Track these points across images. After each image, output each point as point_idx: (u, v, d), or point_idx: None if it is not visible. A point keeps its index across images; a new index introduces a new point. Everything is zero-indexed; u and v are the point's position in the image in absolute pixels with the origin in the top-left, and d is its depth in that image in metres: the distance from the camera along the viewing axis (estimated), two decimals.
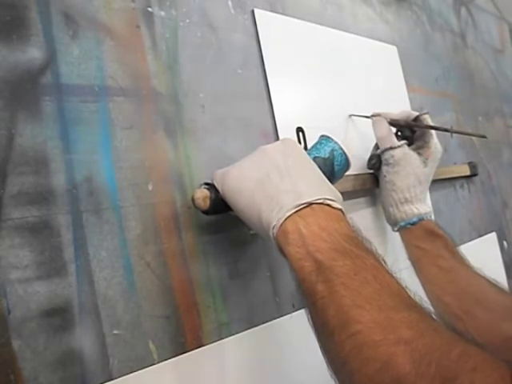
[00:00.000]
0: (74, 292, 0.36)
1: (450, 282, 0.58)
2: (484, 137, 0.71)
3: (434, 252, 0.60)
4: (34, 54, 0.38)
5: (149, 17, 0.47)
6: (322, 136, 0.50)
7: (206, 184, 0.44)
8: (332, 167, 0.48)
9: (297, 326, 0.52)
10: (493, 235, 0.97)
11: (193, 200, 0.43)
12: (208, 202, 0.43)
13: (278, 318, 0.51)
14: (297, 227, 0.36)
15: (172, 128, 0.46)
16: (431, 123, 0.65)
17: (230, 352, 0.45)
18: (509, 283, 0.96)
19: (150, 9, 0.47)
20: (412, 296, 0.33)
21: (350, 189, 0.61)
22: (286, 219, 0.37)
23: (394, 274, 0.34)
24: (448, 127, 0.64)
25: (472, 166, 0.93)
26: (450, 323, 0.32)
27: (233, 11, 0.55)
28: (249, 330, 0.47)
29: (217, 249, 0.47)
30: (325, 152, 0.48)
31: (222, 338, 0.45)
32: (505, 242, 1.01)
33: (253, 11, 0.57)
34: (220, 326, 0.45)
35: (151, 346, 0.40)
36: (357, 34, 0.74)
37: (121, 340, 0.38)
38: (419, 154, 0.63)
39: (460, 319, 0.55)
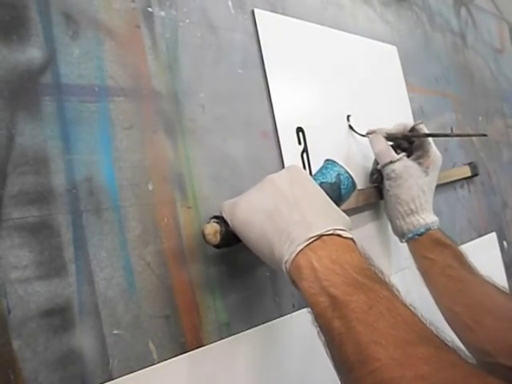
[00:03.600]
0: (74, 292, 0.36)
1: (460, 292, 0.58)
2: (484, 135, 0.71)
3: (442, 262, 0.60)
4: (33, 53, 0.38)
5: (149, 17, 0.47)
6: (327, 160, 0.50)
7: (215, 217, 0.44)
8: (339, 191, 0.48)
9: (297, 326, 0.52)
10: (493, 235, 0.97)
11: (203, 235, 0.43)
12: (219, 237, 0.43)
13: (278, 318, 0.51)
14: (309, 261, 0.36)
15: (172, 128, 0.46)
16: (427, 131, 0.65)
17: (230, 352, 0.45)
18: (509, 283, 0.97)
19: (150, 9, 0.47)
20: (427, 325, 0.33)
21: (355, 205, 0.61)
22: (297, 253, 0.37)
23: (408, 305, 0.34)
24: (447, 132, 0.64)
25: (472, 166, 0.93)
26: (465, 353, 0.32)
27: (233, 11, 0.55)
28: (249, 330, 0.47)
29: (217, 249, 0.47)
30: (331, 177, 0.48)
31: (222, 338, 0.45)
32: (505, 242, 1.01)
33: (253, 11, 0.57)
34: (220, 326, 0.45)
35: (151, 345, 0.40)
36: (357, 34, 0.74)
37: (121, 340, 0.38)
38: (419, 163, 0.63)
39: (470, 328, 0.55)
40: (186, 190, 0.46)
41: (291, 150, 0.57)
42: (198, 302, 0.44)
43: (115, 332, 0.38)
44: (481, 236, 0.93)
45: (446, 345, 0.32)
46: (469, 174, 0.92)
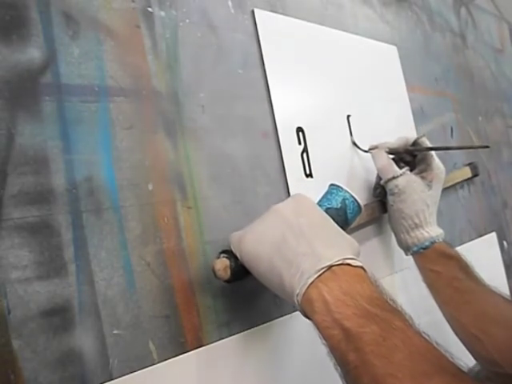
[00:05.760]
0: (74, 292, 0.36)
1: (466, 303, 0.58)
2: (487, 147, 0.71)
3: (448, 274, 0.60)
4: (34, 53, 0.38)
5: (149, 17, 0.47)
6: (332, 185, 0.50)
7: (224, 252, 0.44)
8: (345, 216, 0.48)
9: (297, 326, 0.52)
10: (493, 235, 0.97)
11: (214, 271, 0.43)
12: (229, 272, 0.42)
13: (278, 318, 0.51)
14: (320, 294, 0.36)
15: (172, 128, 0.46)
16: (429, 144, 0.65)
17: (230, 352, 0.45)
18: (509, 283, 0.97)
19: (150, 9, 0.47)
20: (443, 353, 0.33)
21: (361, 221, 0.60)
22: (308, 286, 0.37)
23: (421, 333, 0.34)
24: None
25: (473, 167, 0.93)
26: (482, 378, 0.32)
27: (233, 11, 0.55)
28: (249, 330, 0.47)
29: (217, 248, 0.47)
30: (336, 202, 0.48)
31: (222, 338, 0.45)
32: (505, 242, 1.01)
33: (253, 11, 0.57)
34: (220, 326, 0.45)
35: (151, 345, 0.40)
36: (357, 34, 0.74)
37: (121, 340, 0.38)
38: (423, 177, 0.63)
39: (478, 339, 0.55)
40: (186, 190, 0.46)
41: (291, 150, 0.57)
42: (198, 302, 0.44)
43: (115, 332, 0.38)
44: (481, 236, 0.92)
45: (462, 371, 0.32)
46: (469, 175, 0.92)
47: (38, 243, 0.35)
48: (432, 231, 0.62)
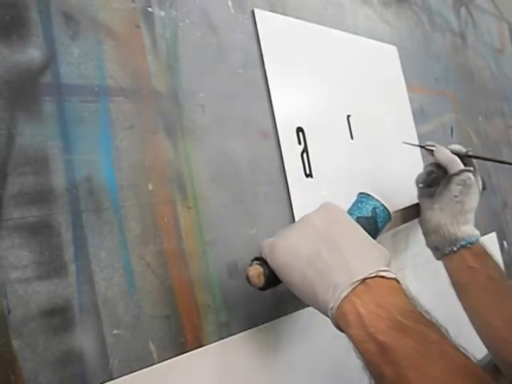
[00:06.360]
0: (74, 292, 0.36)
1: (500, 304, 0.58)
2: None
3: (486, 272, 0.60)
4: (34, 53, 0.38)
5: (149, 17, 0.47)
6: (361, 194, 0.50)
7: (257, 259, 0.44)
8: (375, 225, 0.48)
9: (297, 326, 0.52)
10: (493, 235, 0.97)
11: (247, 278, 0.43)
12: (263, 279, 0.42)
13: (278, 318, 0.51)
14: (354, 307, 0.36)
15: (172, 128, 0.46)
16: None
17: (230, 352, 0.45)
18: None
19: (150, 9, 0.47)
20: (477, 367, 0.33)
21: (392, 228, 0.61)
22: (342, 300, 0.37)
23: (458, 346, 0.34)
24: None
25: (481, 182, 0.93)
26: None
27: (233, 11, 0.55)
28: (249, 330, 0.47)
29: (217, 248, 0.47)
30: (367, 211, 0.48)
31: (222, 338, 0.45)
32: (505, 242, 1.01)
33: (253, 11, 0.57)
34: (220, 326, 0.45)
35: (151, 345, 0.40)
36: (357, 34, 0.74)
37: (121, 340, 0.38)
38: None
39: (507, 342, 0.55)
40: (186, 190, 0.46)
41: (291, 150, 0.57)
42: (198, 302, 0.44)
43: (115, 332, 0.38)
44: (481, 236, 0.92)
45: (493, 381, 0.32)
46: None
47: (38, 243, 0.35)
48: (475, 230, 0.64)
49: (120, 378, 0.37)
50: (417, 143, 0.78)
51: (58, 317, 0.35)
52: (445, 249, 0.64)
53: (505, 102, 1.20)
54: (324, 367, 0.53)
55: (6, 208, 0.34)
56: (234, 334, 0.46)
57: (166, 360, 0.40)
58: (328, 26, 0.69)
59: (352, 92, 0.70)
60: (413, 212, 0.67)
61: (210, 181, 0.48)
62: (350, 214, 0.48)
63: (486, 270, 0.61)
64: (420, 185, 0.67)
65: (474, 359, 0.34)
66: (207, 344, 0.44)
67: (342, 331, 0.38)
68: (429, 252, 0.66)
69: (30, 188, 0.35)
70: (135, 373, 0.38)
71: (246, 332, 0.47)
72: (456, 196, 0.63)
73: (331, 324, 0.39)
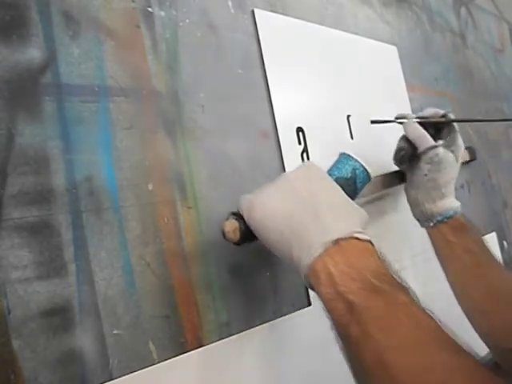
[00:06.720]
0: (74, 292, 0.36)
1: (478, 277, 0.59)
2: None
3: (464, 246, 0.61)
4: (34, 53, 0.38)
5: (149, 17, 0.47)
6: (342, 154, 0.50)
7: (234, 214, 0.43)
8: (354, 185, 0.48)
9: (297, 326, 0.52)
10: (493, 235, 0.97)
11: (223, 233, 0.43)
12: (238, 234, 0.42)
13: (278, 318, 0.51)
14: (326, 267, 0.36)
15: (172, 128, 0.46)
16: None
17: (230, 352, 0.45)
18: None
19: (150, 9, 0.47)
20: (445, 331, 0.33)
21: (373, 194, 0.61)
22: (315, 259, 0.37)
23: (426, 310, 0.34)
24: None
25: (471, 151, 0.93)
26: (484, 358, 0.32)
27: (233, 11, 0.55)
28: (249, 330, 0.47)
29: (217, 248, 0.47)
30: (346, 172, 0.48)
31: (222, 338, 0.45)
32: (505, 242, 1.01)
33: (253, 11, 0.57)
34: (220, 326, 0.45)
35: (151, 345, 0.40)
36: (357, 34, 0.74)
37: (121, 340, 0.38)
38: (452, 151, 0.65)
39: (485, 313, 0.56)
40: (186, 190, 0.46)
41: (291, 150, 0.57)
42: (198, 302, 0.44)
43: (115, 332, 0.38)
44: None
45: (464, 350, 0.32)
46: (467, 159, 0.92)
47: (38, 243, 0.35)
48: (454, 202, 0.64)
49: (120, 378, 0.37)
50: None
51: (58, 317, 0.35)
52: (423, 223, 0.65)
53: (505, 102, 1.20)
54: (324, 367, 0.53)
55: (6, 208, 0.34)
56: (233, 334, 0.46)
57: (165, 360, 0.40)
58: (328, 25, 0.69)
59: (352, 92, 0.70)
60: (396, 178, 0.67)
61: (210, 181, 0.48)
62: (330, 174, 0.47)
63: (464, 243, 0.61)
64: (395, 162, 0.67)
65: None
66: (207, 344, 0.44)
67: (313, 290, 0.38)
68: (429, 252, 0.66)
69: (29, 188, 0.35)
70: (135, 373, 0.38)
71: (245, 332, 0.47)
72: (426, 174, 0.63)
73: (331, 324, 0.39)
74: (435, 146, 0.63)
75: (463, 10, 1.12)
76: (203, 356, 0.43)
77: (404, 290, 0.36)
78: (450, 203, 0.63)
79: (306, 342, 0.52)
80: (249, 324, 0.48)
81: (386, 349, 0.32)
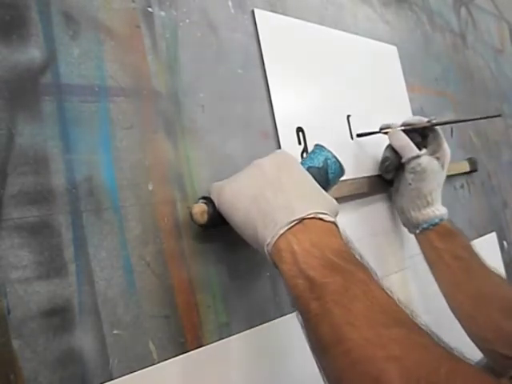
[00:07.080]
0: (74, 292, 0.36)
1: (465, 282, 0.60)
2: (499, 115, 0.72)
3: (451, 252, 0.62)
4: (34, 53, 0.38)
5: (149, 17, 0.47)
6: (316, 145, 0.50)
7: (204, 198, 0.44)
8: (326, 176, 0.48)
9: (297, 326, 0.52)
10: (493, 235, 0.97)
11: (191, 215, 0.44)
12: (206, 217, 0.43)
13: (278, 317, 0.51)
14: (289, 245, 0.37)
15: (172, 128, 0.46)
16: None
17: (230, 352, 0.45)
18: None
19: (150, 9, 0.47)
20: (402, 308, 0.34)
21: (347, 194, 0.61)
22: (279, 237, 0.38)
23: (384, 288, 0.35)
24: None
25: (471, 162, 0.93)
26: (438, 337, 0.33)
27: (233, 11, 0.55)
28: (249, 330, 0.47)
29: (217, 248, 0.47)
30: (318, 161, 0.48)
31: (222, 338, 0.45)
32: (505, 242, 1.01)
33: (253, 11, 0.57)
34: (220, 325, 0.45)
35: (151, 345, 0.40)
36: (357, 34, 0.74)
37: (121, 340, 0.38)
38: (437, 158, 0.65)
39: (472, 317, 0.57)
40: (186, 190, 0.46)
41: (291, 150, 0.57)
42: (198, 301, 0.44)
43: (115, 332, 0.38)
44: (481, 236, 0.92)
45: (420, 328, 0.33)
46: (467, 170, 0.92)
47: (38, 243, 0.35)
48: (440, 209, 0.64)
49: (120, 378, 0.37)
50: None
51: (58, 317, 0.35)
52: (410, 230, 0.66)
53: (505, 102, 1.20)
54: None
55: (6, 208, 0.34)
56: (233, 334, 0.46)
57: (165, 360, 0.40)
58: (328, 25, 0.69)
59: (352, 92, 0.70)
60: (385, 183, 0.68)
61: (210, 181, 0.48)
62: (303, 163, 0.48)
63: (452, 249, 0.62)
64: (382, 172, 0.68)
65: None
66: (207, 344, 0.44)
67: (276, 268, 0.39)
68: None
69: (29, 188, 0.35)
70: (135, 373, 0.38)
71: (245, 332, 0.47)
72: (410, 184, 0.64)
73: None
74: (418, 156, 0.63)
75: (463, 10, 1.12)
76: (203, 356, 0.43)
77: (364, 268, 0.36)
78: (436, 211, 0.64)
79: (306, 342, 0.52)
80: (249, 324, 0.48)
81: (343, 324, 0.32)
